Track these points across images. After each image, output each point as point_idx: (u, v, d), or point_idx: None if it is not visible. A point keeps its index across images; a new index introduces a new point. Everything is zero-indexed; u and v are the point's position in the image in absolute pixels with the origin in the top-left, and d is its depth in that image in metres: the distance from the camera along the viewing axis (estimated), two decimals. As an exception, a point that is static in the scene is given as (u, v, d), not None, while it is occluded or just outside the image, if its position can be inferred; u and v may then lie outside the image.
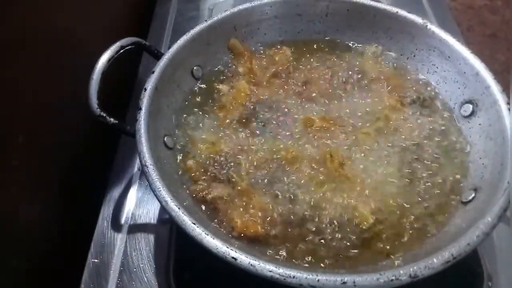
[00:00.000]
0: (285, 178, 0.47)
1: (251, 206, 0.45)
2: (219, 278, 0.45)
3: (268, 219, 0.44)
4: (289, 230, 0.43)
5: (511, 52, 1.27)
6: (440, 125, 0.51)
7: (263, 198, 0.45)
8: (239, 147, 0.50)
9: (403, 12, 0.56)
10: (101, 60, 0.47)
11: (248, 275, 0.35)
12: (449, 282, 0.41)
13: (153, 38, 0.78)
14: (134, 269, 0.49)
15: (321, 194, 0.45)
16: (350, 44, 0.61)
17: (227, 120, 0.52)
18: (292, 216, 0.44)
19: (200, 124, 0.52)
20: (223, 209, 0.45)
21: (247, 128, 0.52)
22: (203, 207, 0.45)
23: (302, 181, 0.46)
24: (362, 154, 0.48)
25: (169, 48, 0.53)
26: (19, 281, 0.49)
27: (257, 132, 0.51)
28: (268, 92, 0.55)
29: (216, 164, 0.48)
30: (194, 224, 0.37)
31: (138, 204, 0.55)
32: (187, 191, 0.46)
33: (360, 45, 0.60)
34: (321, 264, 0.41)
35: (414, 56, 0.57)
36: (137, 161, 0.59)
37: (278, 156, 0.48)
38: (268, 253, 0.42)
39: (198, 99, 0.55)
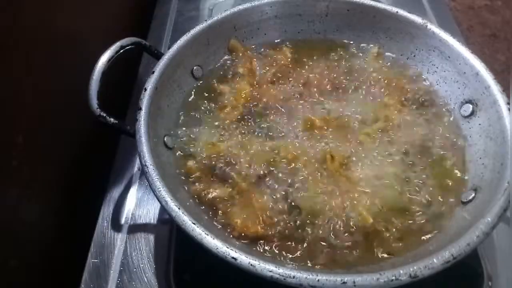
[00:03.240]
0: (285, 178, 0.47)
1: (251, 206, 0.45)
2: (219, 278, 0.45)
3: (268, 219, 0.44)
4: (289, 230, 0.43)
5: (511, 52, 1.27)
6: (440, 125, 0.51)
7: (263, 198, 0.45)
8: (239, 147, 0.49)
9: (403, 12, 0.56)
10: (101, 60, 0.47)
11: (248, 275, 0.35)
12: (449, 282, 0.41)
13: (153, 38, 0.78)
14: (134, 269, 0.49)
15: (321, 195, 0.45)
16: (350, 44, 0.61)
17: (227, 120, 0.52)
18: (292, 216, 0.44)
19: (200, 124, 0.52)
20: (223, 209, 0.45)
21: (247, 128, 0.52)
22: (203, 207, 0.45)
23: (303, 182, 0.46)
24: (363, 155, 0.48)
25: (169, 48, 0.53)
26: (19, 281, 0.49)
27: (257, 132, 0.51)
28: (269, 93, 0.55)
29: (216, 164, 0.48)
30: (194, 224, 0.37)
31: (138, 204, 0.55)
32: (187, 191, 0.46)
33: (360, 45, 0.60)
34: (321, 264, 0.41)
35: (414, 56, 0.57)
36: (137, 161, 0.59)
37: (279, 157, 0.48)
38: (268, 253, 0.42)
39: (198, 99, 0.55)
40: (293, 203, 0.45)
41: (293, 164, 0.48)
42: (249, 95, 0.55)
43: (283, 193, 0.46)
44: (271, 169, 0.47)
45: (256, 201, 0.45)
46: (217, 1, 0.85)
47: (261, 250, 0.42)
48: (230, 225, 0.43)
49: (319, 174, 0.47)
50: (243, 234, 0.42)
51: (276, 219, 0.44)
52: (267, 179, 0.47)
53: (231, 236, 0.43)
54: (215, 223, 0.44)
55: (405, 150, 0.49)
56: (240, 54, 0.59)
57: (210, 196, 0.45)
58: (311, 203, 0.45)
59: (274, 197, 0.45)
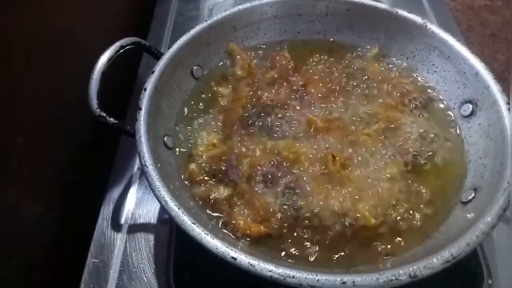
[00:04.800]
0: (286, 179, 0.47)
1: (253, 206, 0.45)
2: (219, 278, 0.45)
3: (270, 219, 0.44)
4: (291, 230, 0.43)
5: (511, 52, 1.27)
6: (440, 125, 0.51)
7: (265, 199, 0.45)
8: (240, 148, 0.49)
9: (403, 12, 0.56)
10: (101, 60, 0.47)
11: (248, 275, 0.35)
12: (449, 282, 0.41)
13: (153, 38, 0.78)
14: (134, 269, 0.49)
15: (323, 195, 0.45)
16: (350, 44, 0.61)
17: (228, 122, 0.52)
18: (294, 217, 0.44)
19: (201, 125, 0.52)
20: (225, 210, 0.45)
21: (248, 129, 0.52)
22: (205, 208, 0.45)
23: (304, 182, 0.46)
24: (364, 155, 0.48)
25: (169, 48, 0.53)
26: (19, 281, 0.49)
27: (258, 133, 0.51)
28: (269, 94, 0.55)
29: (217, 165, 0.48)
30: (194, 224, 0.37)
31: (138, 204, 0.55)
32: (188, 192, 0.46)
33: (360, 45, 0.60)
34: (322, 264, 0.41)
35: (414, 56, 0.57)
36: (137, 161, 0.59)
37: (280, 157, 0.48)
38: (270, 253, 0.42)
39: (198, 99, 0.55)
40: (294, 204, 0.45)
41: (295, 165, 0.48)
42: (249, 96, 0.55)
43: (285, 193, 0.45)
44: (273, 169, 0.47)
45: (258, 201, 0.45)
46: (217, 1, 0.85)
47: (264, 250, 0.42)
48: (233, 226, 0.43)
49: (320, 174, 0.47)
50: (246, 235, 0.42)
51: (278, 219, 0.44)
52: (269, 179, 0.47)
53: (234, 236, 0.43)
54: (217, 224, 0.44)
55: (406, 150, 0.49)
56: (240, 58, 0.59)
57: (212, 197, 0.45)
58: (313, 203, 0.45)
59: (276, 197, 0.45)
